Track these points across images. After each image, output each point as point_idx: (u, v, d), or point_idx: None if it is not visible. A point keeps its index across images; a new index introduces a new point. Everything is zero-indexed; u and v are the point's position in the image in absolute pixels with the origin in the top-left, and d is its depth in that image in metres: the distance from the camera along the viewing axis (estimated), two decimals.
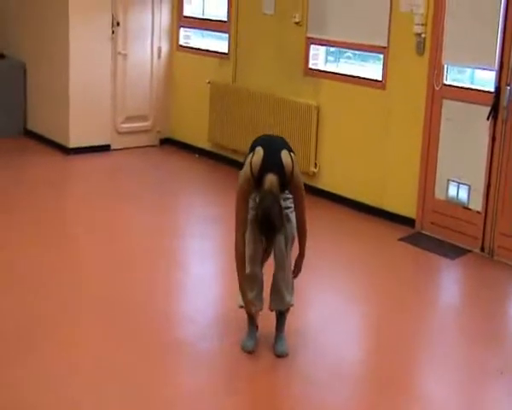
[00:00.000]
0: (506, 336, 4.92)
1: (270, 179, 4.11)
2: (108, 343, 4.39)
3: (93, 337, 4.45)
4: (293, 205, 4.31)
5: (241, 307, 4.41)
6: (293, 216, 4.31)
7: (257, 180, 4.16)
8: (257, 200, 4.19)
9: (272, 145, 4.30)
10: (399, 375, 4.31)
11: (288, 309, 4.42)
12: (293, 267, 4.42)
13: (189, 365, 4.25)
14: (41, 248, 5.77)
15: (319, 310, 5.11)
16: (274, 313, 4.45)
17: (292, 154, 4.24)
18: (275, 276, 4.37)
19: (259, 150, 4.19)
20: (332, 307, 5.17)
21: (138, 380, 4.02)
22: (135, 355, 4.27)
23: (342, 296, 5.38)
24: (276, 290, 4.37)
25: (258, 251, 4.30)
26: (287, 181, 4.17)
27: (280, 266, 4.33)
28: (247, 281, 4.35)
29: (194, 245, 6.27)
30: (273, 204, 4.04)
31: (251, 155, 4.21)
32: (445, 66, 6.31)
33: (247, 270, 4.32)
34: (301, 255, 4.42)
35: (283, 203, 4.23)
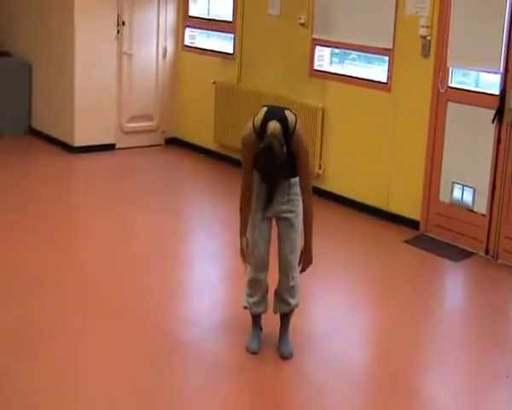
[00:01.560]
0: (511, 340, 4.91)
1: (273, 125, 4.04)
2: (113, 345, 4.40)
3: (97, 339, 4.45)
4: (297, 209, 4.26)
5: (246, 307, 4.42)
6: (297, 222, 4.27)
7: (260, 133, 4.08)
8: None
9: (276, 107, 4.32)
10: (404, 378, 4.32)
11: (292, 311, 4.43)
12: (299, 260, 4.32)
13: (194, 366, 4.26)
14: (45, 248, 5.78)
15: (324, 312, 5.12)
16: (278, 313, 4.46)
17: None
18: (279, 283, 4.36)
19: (263, 109, 4.19)
20: (337, 309, 5.17)
21: (143, 381, 4.03)
22: (139, 357, 4.28)
23: (347, 298, 5.39)
24: (280, 297, 4.38)
25: (264, 257, 4.30)
26: (289, 134, 4.07)
27: (284, 274, 4.32)
28: (251, 285, 4.36)
29: (199, 246, 6.28)
30: (276, 140, 3.98)
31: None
32: (451, 68, 6.31)
33: (251, 275, 4.32)
34: (307, 245, 4.26)
35: (286, 206, 4.23)
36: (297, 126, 4.12)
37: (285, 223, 4.27)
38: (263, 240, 4.27)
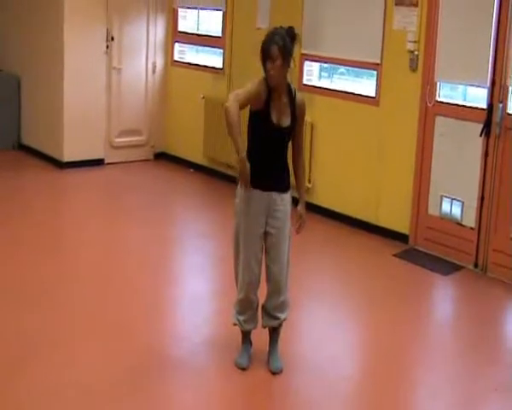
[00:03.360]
0: (500, 353, 4.92)
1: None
2: (101, 359, 4.38)
3: (87, 353, 4.44)
4: (284, 223, 4.22)
5: (235, 324, 4.41)
6: (285, 237, 4.24)
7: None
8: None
9: None
10: (394, 392, 4.31)
11: (280, 324, 4.43)
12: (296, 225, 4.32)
13: (183, 382, 4.24)
14: (35, 263, 5.76)
15: (313, 326, 5.11)
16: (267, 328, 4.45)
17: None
18: (269, 299, 4.35)
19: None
20: (326, 322, 5.17)
21: (131, 396, 4.02)
22: (127, 372, 4.26)
23: (336, 312, 5.39)
24: (269, 314, 4.37)
25: (257, 280, 4.28)
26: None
27: (274, 292, 4.31)
28: (241, 305, 4.34)
29: (189, 261, 6.28)
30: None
31: None
32: (438, 82, 6.35)
33: (242, 294, 4.30)
34: (303, 202, 4.34)
35: (275, 222, 4.21)
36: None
37: (273, 239, 4.25)
38: (256, 261, 4.25)
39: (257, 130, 4.20)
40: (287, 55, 4.09)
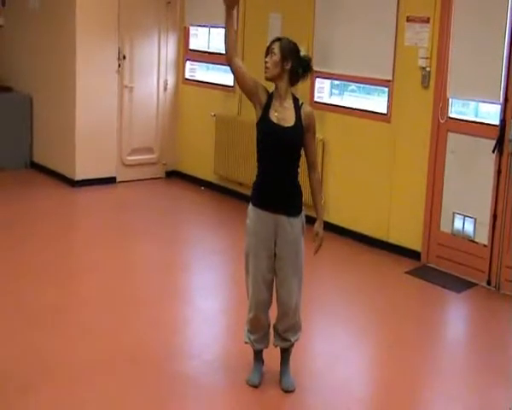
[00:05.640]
0: None
1: None
2: (113, 378, 4.36)
3: (98, 372, 4.41)
4: (297, 247, 4.15)
5: (247, 342, 4.38)
6: (295, 264, 4.17)
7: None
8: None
9: None
10: None
11: (292, 345, 4.39)
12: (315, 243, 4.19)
13: (195, 400, 4.21)
14: (46, 283, 5.75)
15: (325, 344, 5.08)
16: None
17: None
18: (279, 321, 4.29)
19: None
20: (338, 341, 5.13)
21: None
22: (139, 391, 4.23)
23: (349, 331, 5.35)
24: (280, 335, 4.33)
25: (266, 301, 4.24)
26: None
27: (284, 315, 4.26)
28: (251, 324, 4.31)
29: (201, 279, 6.26)
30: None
31: None
32: (450, 99, 6.33)
33: (251, 314, 4.27)
34: (320, 220, 4.20)
35: (286, 247, 4.15)
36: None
37: (281, 262, 4.17)
38: (264, 282, 4.20)
39: (260, 135, 4.16)
40: (287, 55, 4.11)
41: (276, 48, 4.13)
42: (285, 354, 4.38)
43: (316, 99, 7.46)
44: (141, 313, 5.31)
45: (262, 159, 4.17)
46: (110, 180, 8.65)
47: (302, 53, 4.19)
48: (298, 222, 4.16)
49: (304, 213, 4.21)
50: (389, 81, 6.76)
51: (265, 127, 4.13)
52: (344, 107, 7.28)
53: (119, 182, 8.71)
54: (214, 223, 7.78)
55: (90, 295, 5.64)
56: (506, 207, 5.97)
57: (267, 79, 4.17)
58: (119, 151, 8.70)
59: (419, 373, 4.74)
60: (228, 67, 4.30)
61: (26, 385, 4.20)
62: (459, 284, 6.14)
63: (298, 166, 4.18)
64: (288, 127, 4.10)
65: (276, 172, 4.13)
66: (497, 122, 6.00)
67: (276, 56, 4.11)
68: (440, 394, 4.50)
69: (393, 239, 6.80)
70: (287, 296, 4.21)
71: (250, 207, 4.22)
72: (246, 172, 7.86)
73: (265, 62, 4.16)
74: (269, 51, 4.15)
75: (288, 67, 4.13)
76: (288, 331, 4.30)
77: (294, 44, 4.18)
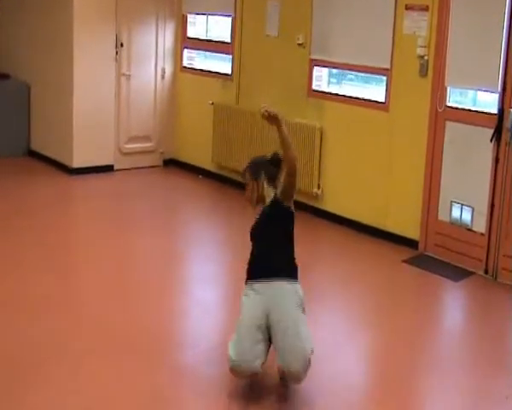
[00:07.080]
0: (511, 360, 4.89)
1: None
2: (111, 368, 4.36)
3: (95, 362, 4.42)
4: (296, 313, 4.11)
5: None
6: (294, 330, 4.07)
7: None
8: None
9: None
10: (404, 401, 4.28)
11: None
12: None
13: (193, 389, 4.22)
14: (44, 271, 5.74)
15: (323, 334, 5.07)
16: None
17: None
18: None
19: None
20: (336, 330, 5.14)
21: (140, 405, 4.00)
22: (137, 380, 4.24)
23: (346, 319, 5.36)
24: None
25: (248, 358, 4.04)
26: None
27: (291, 381, 4.12)
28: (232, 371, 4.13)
29: (198, 268, 6.26)
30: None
31: None
32: (448, 88, 6.32)
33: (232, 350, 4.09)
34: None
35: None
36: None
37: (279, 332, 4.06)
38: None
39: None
40: (256, 171, 4.20)
41: (247, 175, 4.23)
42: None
43: (314, 87, 7.45)
44: (139, 301, 5.32)
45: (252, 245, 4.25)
46: (108, 168, 8.64)
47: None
48: (294, 288, 4.17)
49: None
50: (387, 70, 6.75)
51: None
52: (342, 95, 7.27)
53: (117, 170, 8.71)
54: (212, 211, 7.77)
55: (88, 284, 5.65)
56: (504, 196, 5.97)
57: (254, 207, 4.24)
58: (117, 139, 8.69)
59: (417, 361, 4.76)
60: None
61: (24, 375, 4.21)
62: (457, 273, 6.16)
63: (286, 238, 4.21)
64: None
65: (267, 246, 4.18)
66: (495, 111, 6.00)
67: (250, 182, 4.21)
68: (437, 382, 4.51)
69: (391, 228, 6.81)
70: (295, 365, 3.97)
71: None
72: (243, 160, 7.80)
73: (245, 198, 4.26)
74: (244, 186, 4.26)
75: (264, 179, 4.19)
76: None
77: (261, 157, 4.33)
